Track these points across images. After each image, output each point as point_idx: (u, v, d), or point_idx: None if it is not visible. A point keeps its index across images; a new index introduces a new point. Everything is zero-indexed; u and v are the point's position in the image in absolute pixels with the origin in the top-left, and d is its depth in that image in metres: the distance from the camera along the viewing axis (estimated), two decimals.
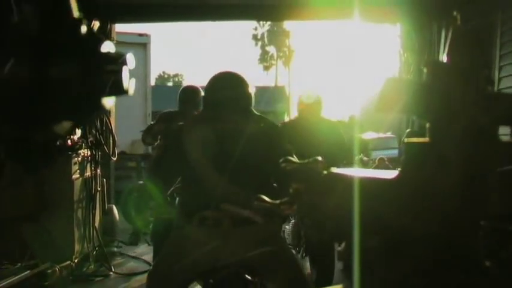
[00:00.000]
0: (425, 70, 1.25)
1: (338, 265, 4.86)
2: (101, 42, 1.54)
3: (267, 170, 2.70)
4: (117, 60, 1.56)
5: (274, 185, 2.81)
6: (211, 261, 2.62)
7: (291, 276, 2.69)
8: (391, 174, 1.32)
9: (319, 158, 1.59)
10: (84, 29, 1.52)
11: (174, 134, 2.94)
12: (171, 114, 5.14)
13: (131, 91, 1.61)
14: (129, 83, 1.59)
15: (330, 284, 4.42)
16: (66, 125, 1.62)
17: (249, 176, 2.64)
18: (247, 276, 2.64)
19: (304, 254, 4.98)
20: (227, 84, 2.82)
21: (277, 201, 1.81)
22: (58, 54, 1.47)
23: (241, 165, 2.63)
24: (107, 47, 1.57)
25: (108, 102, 1.61)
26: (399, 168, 1.32)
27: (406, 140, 1.42)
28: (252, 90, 2.84)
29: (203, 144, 2.73)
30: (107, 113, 5.71)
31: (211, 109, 2.85)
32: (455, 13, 2.62)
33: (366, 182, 1.33)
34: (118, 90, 1.56)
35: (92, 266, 5.70)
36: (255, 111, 2.92)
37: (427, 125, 1.25)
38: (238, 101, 2.80)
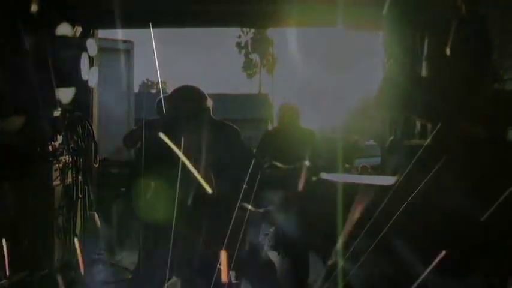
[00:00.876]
0: (427, 70, 1.22)
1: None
2: (55, 23, 1.38)
3: (232, 171, 2.89)
4: (75, 45, 1.43)
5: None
6: (186, 256, 2.78)
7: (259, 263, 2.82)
8: (386, 180, 1.29)
9: (307, 163, 1.58)
10: (34, 7, 1.38)
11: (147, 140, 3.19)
12: (153, 122, 5.18)
13: (92, 82, 1.52)
14: (89, 73, 1.48)
15: (305, 284, 4.53)
16: (17, 120, 1.52)
17: (217, 179, 2.83)
18: (219, 266, 2.73)
19: (283, 255, 5.16)
20: (187, 96, 3.10)
21: (261, 210, 1.80)
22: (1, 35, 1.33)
23: (207, 168, 2.79)
24: (64, 29, 1.44)
25: (66, 94, 1.50)
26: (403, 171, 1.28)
27: (406, 142, 1.40)
28: (210, 102, 3.11)
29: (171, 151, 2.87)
30: (89, 118, 5.67)
31: (173, 118, 3.08)
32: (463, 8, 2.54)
33: (366, 189, 1.30)
34: (75, 80, 1.45)
35: (72, 274, 5.63)
36: (214, 117, 3.15)
37: (428, 125, 1.22)
38: (197, 110, 3.06)
